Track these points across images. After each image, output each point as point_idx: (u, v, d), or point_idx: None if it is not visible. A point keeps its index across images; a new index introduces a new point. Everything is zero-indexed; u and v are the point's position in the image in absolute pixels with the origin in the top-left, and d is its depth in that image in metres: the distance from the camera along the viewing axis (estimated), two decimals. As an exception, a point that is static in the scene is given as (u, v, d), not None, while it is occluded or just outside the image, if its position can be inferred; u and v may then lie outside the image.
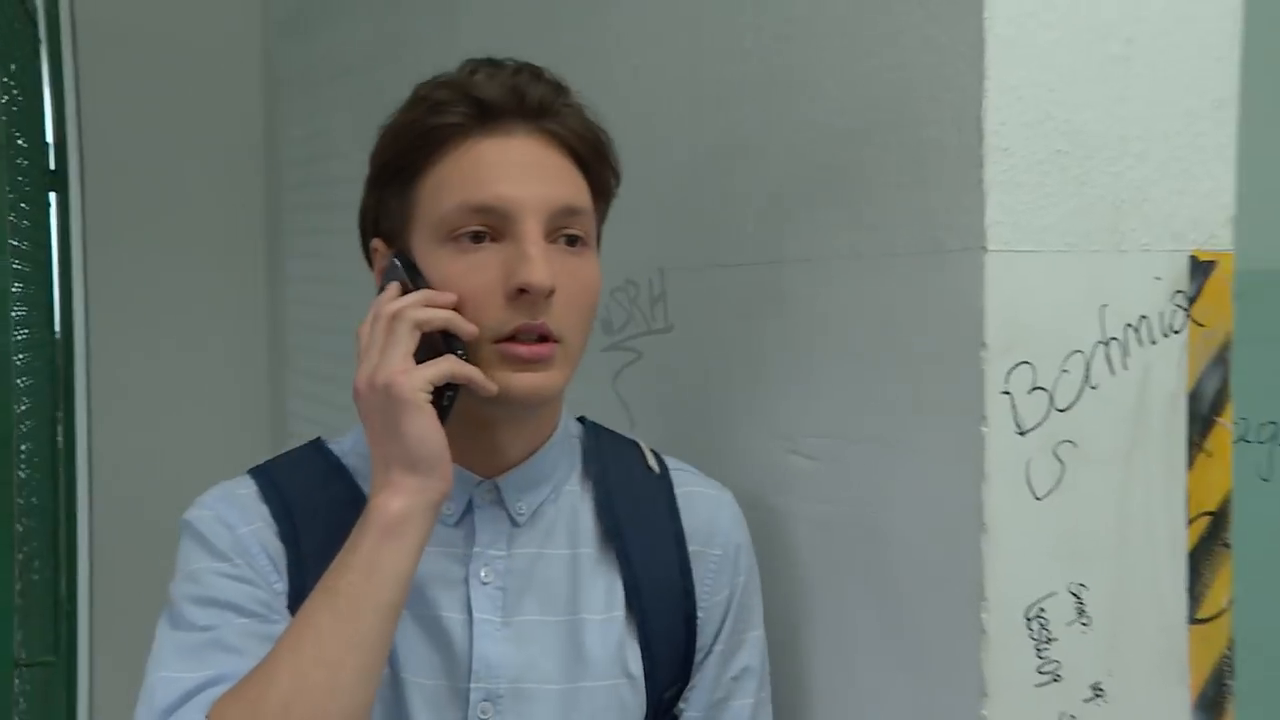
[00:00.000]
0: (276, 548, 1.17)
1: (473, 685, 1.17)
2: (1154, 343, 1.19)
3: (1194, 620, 1.21)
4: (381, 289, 1.17)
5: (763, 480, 1.38)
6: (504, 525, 1.21)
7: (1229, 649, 1.23)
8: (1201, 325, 1.20)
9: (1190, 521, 1.21)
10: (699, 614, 1.25)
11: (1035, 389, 1.14)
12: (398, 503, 1.07)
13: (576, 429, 1.30)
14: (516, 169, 1.14)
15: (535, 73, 1.17)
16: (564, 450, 1.26)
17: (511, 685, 1.17)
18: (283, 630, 1.08)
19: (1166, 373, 1.19)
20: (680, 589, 1.25)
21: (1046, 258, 1.14)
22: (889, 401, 1.21)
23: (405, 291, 1.14)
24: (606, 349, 1.64)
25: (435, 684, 1.17)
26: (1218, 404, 1.22)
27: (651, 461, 1.30)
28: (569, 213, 1.15)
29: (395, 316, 1.11)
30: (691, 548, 1.26)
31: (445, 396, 1.10)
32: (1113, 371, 1.17)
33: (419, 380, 1.08)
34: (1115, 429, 1.17)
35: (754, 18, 1.40)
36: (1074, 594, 1.16)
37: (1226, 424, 1.22)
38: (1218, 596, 1.22)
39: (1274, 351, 1.61)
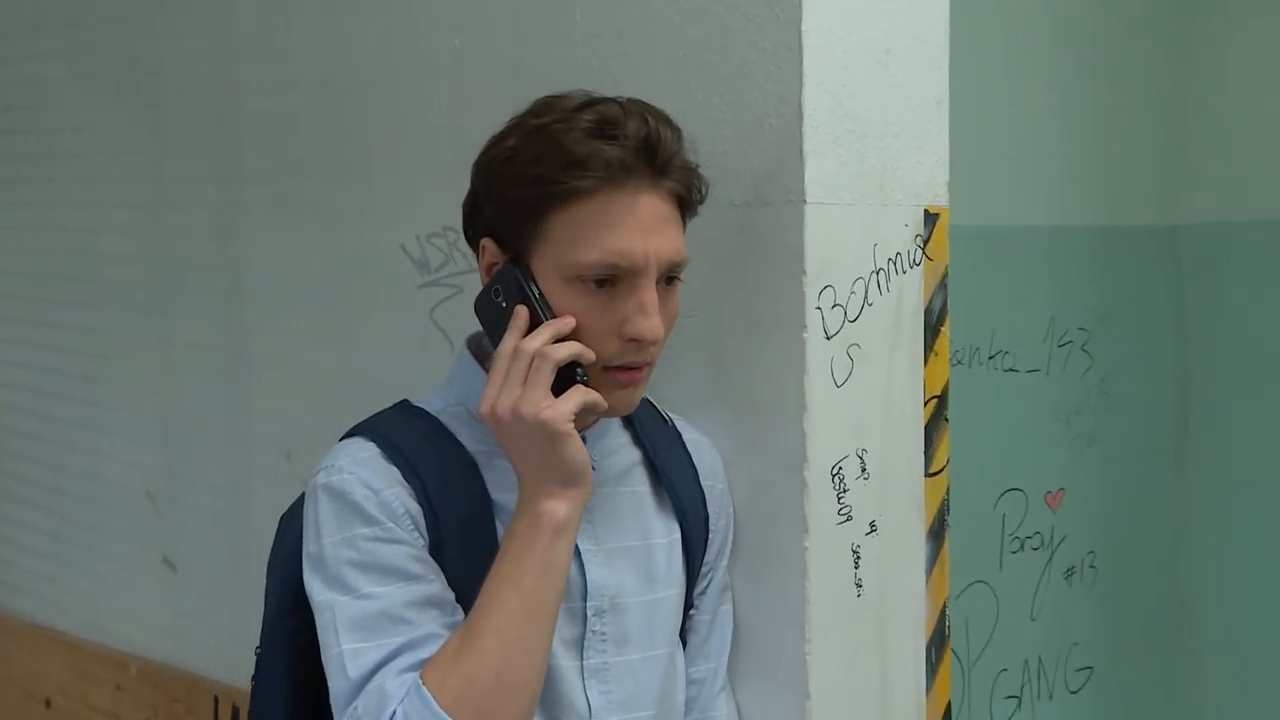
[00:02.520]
0: (415, 507, 1.32)
1: (588, 603, 1.39)
2: (904, 272, 1.63)
3: (928, 474, 1.67)
4: (491, 285, 1.34)
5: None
6: None
7: (947, 494, 1.70)
8: (931, 260, 1.66)
9: (925, 402, 1.66)
10: (709, 535, 1.54)
11: (835, 305, 1.55)
12: (564, 509, 1.28)
13: None
14: (642, 228, 1.30)
15: (660, 125, 1.32)
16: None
17: (611, 600, 1.41)
18: (439, 591, 1.30)
19: (912, 294, 1.64)
20: (703, 516, 1.52)
21: (841, 209, 1.55)
22: (728, 320, 1.58)
23: (530, 308, 1.30)
24: (424, 285, 1.91)
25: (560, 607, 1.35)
26: (941, 318, 1.68)
27: (663, 413, 1.55)
28: (676, 265, 1.35)
29: (540, 355, 1.28)
30: (705, 483, 1.53)
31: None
32: (881, 293, 1.60)
33: (566, 413, 1.27)
34: (883, 335, 1.61)
35: (583, 19, 1.72)
36: (859, 456, 1.58)
37: (946, 332, 1.68)
38: (940, 457, 1.69)
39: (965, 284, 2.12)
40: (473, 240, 1.40)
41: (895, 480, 1.63)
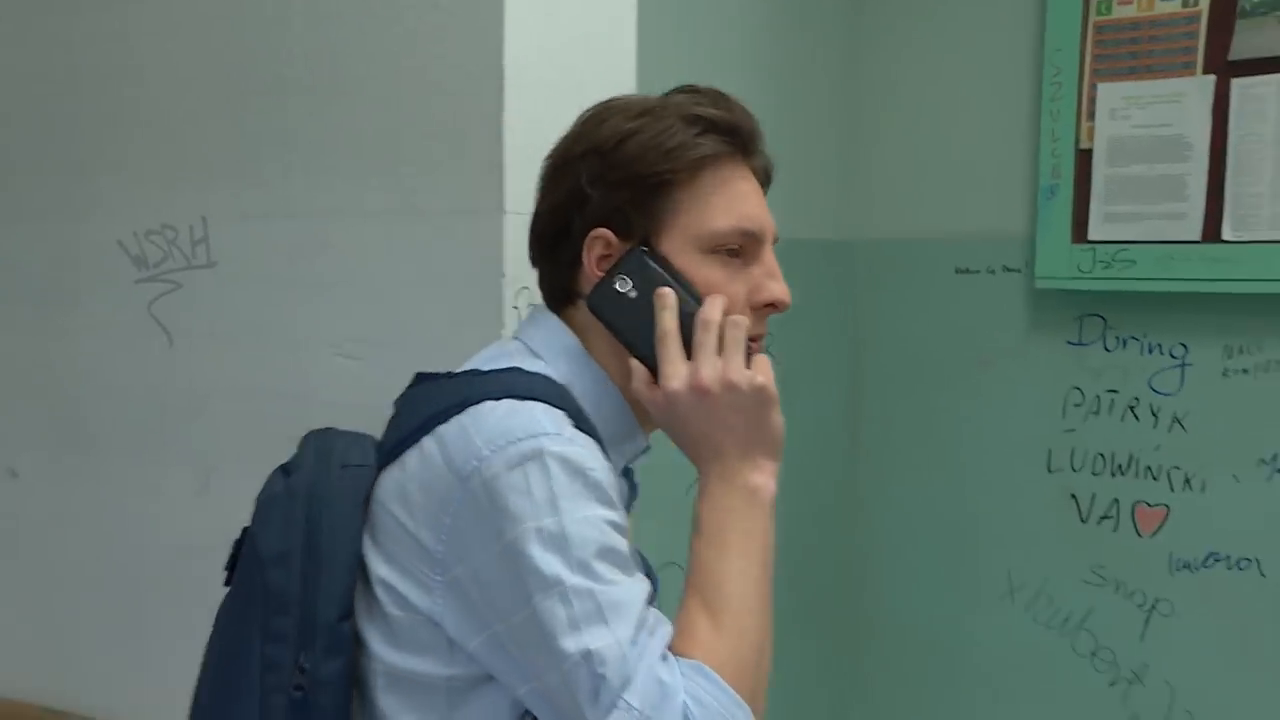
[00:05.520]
0: (620, 489, 1.26)
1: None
2: (595, 277, 1.80)
3: (615, 460, 1.84)
4: (612, 275, 1.27)
5: (316, 376, 1.83)
6: (632, 479, 1.40)
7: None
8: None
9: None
10: None
11: (531, 305, 1.70)
12: (773, 484, 1.25)
13: None
14: (758, 198, 1.33)
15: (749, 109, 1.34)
16: None
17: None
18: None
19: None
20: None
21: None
22: (433, 317, 1.72)
23: (676, 290, 1.26)
24: (141, 280, 1.98)
25: None
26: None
27: None
28: (776, 238, 1.35)
29: (732, 324, 1.25)
30: None
31: None
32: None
33: (772, 378, 1.25)
34: (575, 334, 1.77)
35: (301, 32, 1.83)
36: (552, 443, 1.74)
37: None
38: (627, 444, 1.87)
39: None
40: (569, 242, 1.31)
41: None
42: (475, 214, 1.68)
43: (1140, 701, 2.90)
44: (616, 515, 1.16)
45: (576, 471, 1.14)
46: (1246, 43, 2.66)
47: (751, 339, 1.28)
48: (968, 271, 3.04)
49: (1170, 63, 2.74)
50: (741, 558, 1.20)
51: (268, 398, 1.84)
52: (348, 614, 1.19)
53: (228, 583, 1.27)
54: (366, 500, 1.22)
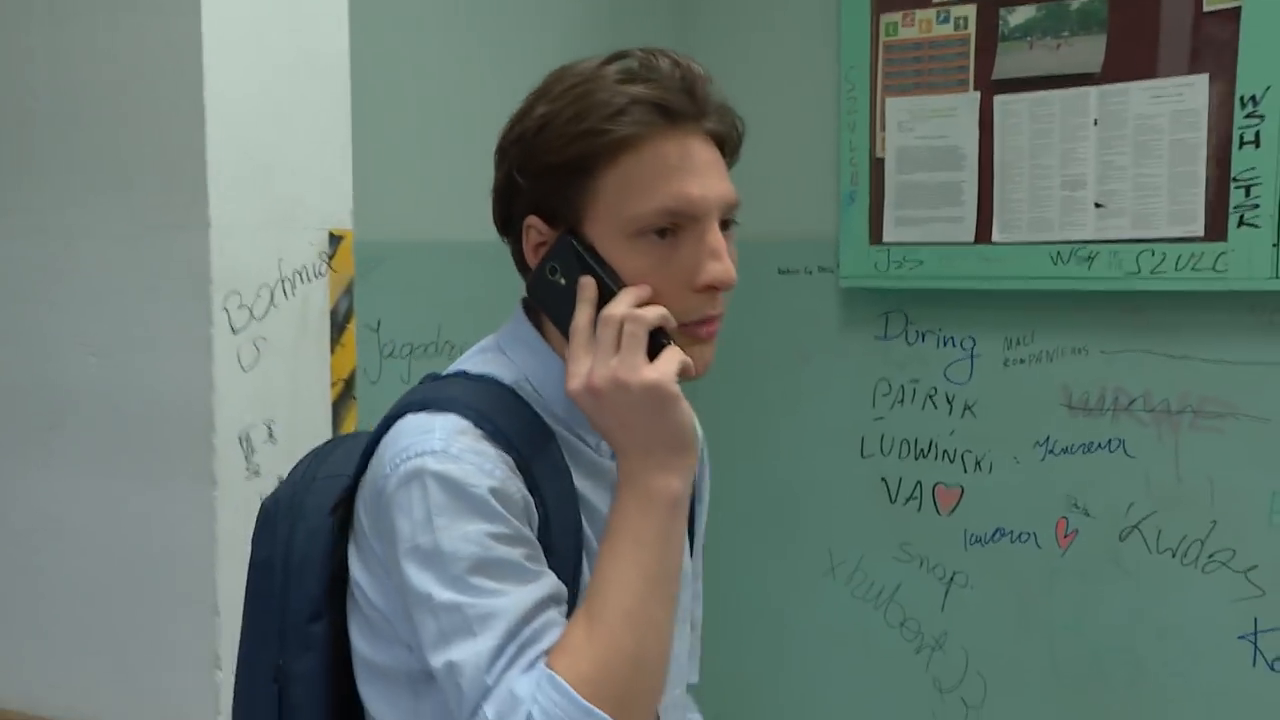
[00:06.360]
0: (527, 495, 1.21)
1: None
2: (310, 281, 2.08)
3: (336, 440, 2.11)
4: (544, 263, 1.25)
5: (57, 372, 2.12)
6: None
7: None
8: (336, 271, 2.11)
9: (333, 384, 2.11)
10: (697, 509, 1.50)
11: (241, 307, 1.99)
12: (677, 482, 1.20)
13: None
14: (698, 170, 1.22)
15: (691, 63, 1.26)
16: None
17: None
18: (554, 584, 1.18)
19: (318, 298, 2.09)
20: (694, 484, 1.32)
21: (247, 231, 1.99)
22: (153, 319, 2.01)
23: (595, 277, 1.22)
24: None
25: None
26: (347, 317, 2.13)
27: None
28: (733, 206, 1.26)
29: (631, 319, 1.19)
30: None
31: None
32: (287, 297, 2.05)
33: (672, 374, 1.19)
34: (290, 330, 2.05)
35: (42, 72, 2.12)
36: (267, 425, 2.02)
37: (352, 329, 2.14)
38: (349, 426, 2.14)
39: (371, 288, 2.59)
40: (513, 227, 1.29)
41: (305, 444, 2.06)
42: (186, 229, 1.96)
43: (940, 666, 3.13)
44: (503, 527, 1.16)
45: (455, 489, 1.16)
46: (1006, 63, 2.89)
47: (700, 323, 1.25)
48: (789, 272, 3.28)
49: (947, 80, 2.97)
50: (631, 566, 1.18)
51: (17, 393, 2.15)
52: (318, 615, 1.28)
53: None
54: (339, 506, 1.28)
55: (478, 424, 1.20)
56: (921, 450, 3.14)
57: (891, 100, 3.06)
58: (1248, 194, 2.61)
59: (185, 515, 1.98)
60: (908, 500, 3.17)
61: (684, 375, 1.22)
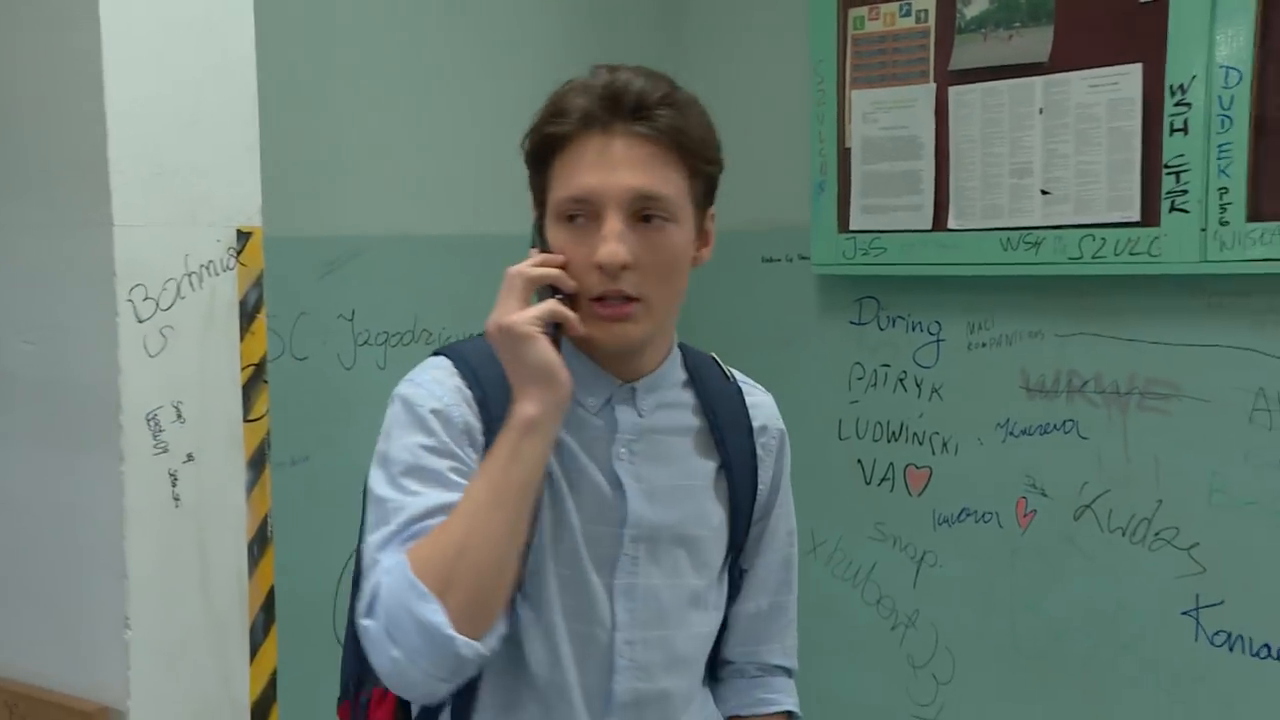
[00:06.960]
0: (475, 423, 1.49)
1: (625, 530, 1.55)
2: (218, 275, 2.25)
3: (246, 420, 2.29)
4: (532, 241, 1.53)
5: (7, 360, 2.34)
6: (634, 417, 1.57)
7: (267, 435, 2.32)
8: (245, 265, 2.28)
9: (243, 369, 2.29)
10: (759, 487, 1.68)
11: (147, 299, 2.17)
12: (530, 409, 1.41)
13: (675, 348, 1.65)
14: (606, 164, 1.44)
15: (638, 78, 1.47)
16: (674, 364, 1.63)
17: (649, 530, 1.56)
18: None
19: (226, 291, 2.26)
20: (751, 468, 1.67)
21: (152, 229, 2.17)
22: (72, 309, 2.20)
23: (540, 249, 1.50)
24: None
25: (598, 529, 1.54)
26: (257, 308, 2.30)
27: (726, 372, 1.71)
28: (646, 198, 1.45)
29: (514, 275, 1.45)
30: (759, 440, 1.68)
31: (554, 329, 1.46)
32: (194, 289, 2.22)
33: (529, 318, 1.42)
34: (197, 319, 2.22)
35: None
36: (175, 406, 2.20)
37: (263, 318, 2.31)
38: (259, 408, 2.31)
39: (348, 280, 2.76)
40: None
41: (214, 424, 2.26)
42: (93, 226, 2.14)
43: (913, 643, 3.19)
44: (434, 441, 1.45)
45: (408, 407, 1.48)
46: (962, 55, 2.92)
47: (600, 300, 1.46)
48: (771, 260, 3.37)
49: (910, 71, 3.03)
50: (481, 475, 1.41)
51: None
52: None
53: None
54: None
55: (456, 365, 1.53)
56: (893, 433, 3.19)
57: (857, 92, 3.11)
58: (1178, 180, 2.61)
59: (97, 487, 2.16)
60: (881, 481, 3.23)
61: (569, 331, 1.46)
